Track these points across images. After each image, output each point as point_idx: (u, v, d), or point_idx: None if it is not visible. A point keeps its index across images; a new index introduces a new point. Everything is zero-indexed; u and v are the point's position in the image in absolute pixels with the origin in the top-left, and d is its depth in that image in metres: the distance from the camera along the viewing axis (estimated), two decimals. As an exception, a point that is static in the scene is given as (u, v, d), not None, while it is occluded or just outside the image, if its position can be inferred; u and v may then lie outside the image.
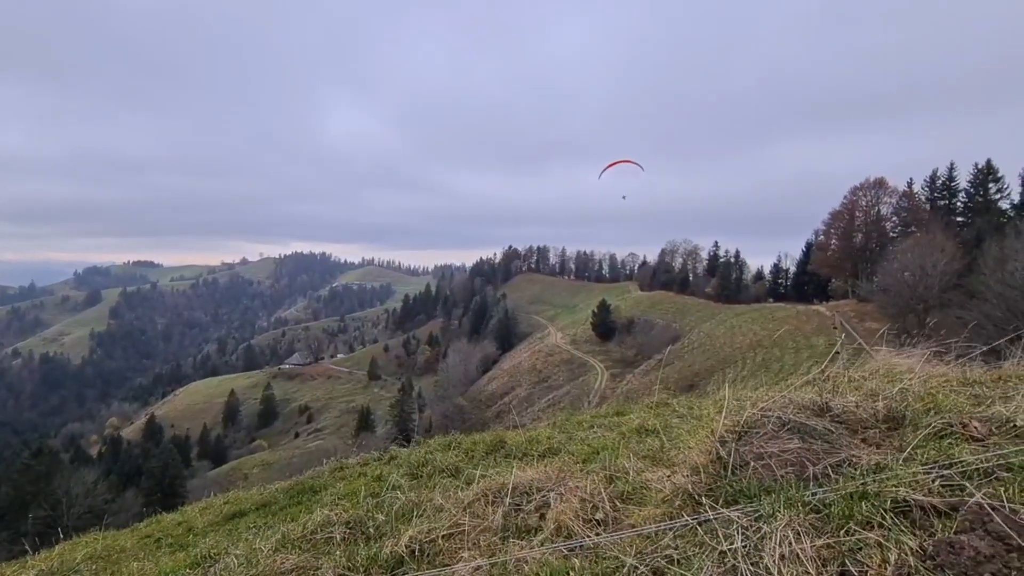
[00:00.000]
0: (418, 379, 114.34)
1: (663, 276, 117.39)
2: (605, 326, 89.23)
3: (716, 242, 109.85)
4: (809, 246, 75.55)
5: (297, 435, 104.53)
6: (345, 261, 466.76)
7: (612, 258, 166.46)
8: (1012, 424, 2.93)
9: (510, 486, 3.48)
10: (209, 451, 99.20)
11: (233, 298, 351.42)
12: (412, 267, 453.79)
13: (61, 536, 7.32)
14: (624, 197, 26.66)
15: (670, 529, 2.59)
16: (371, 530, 3.58)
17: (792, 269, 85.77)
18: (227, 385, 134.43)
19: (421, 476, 5.06)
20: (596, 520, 2.97)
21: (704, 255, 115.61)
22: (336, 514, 3.83)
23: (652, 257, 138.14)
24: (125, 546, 6.06)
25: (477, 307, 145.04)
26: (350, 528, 3.64)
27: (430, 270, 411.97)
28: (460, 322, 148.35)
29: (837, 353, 4.33)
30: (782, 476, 2.76)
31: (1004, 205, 48.38)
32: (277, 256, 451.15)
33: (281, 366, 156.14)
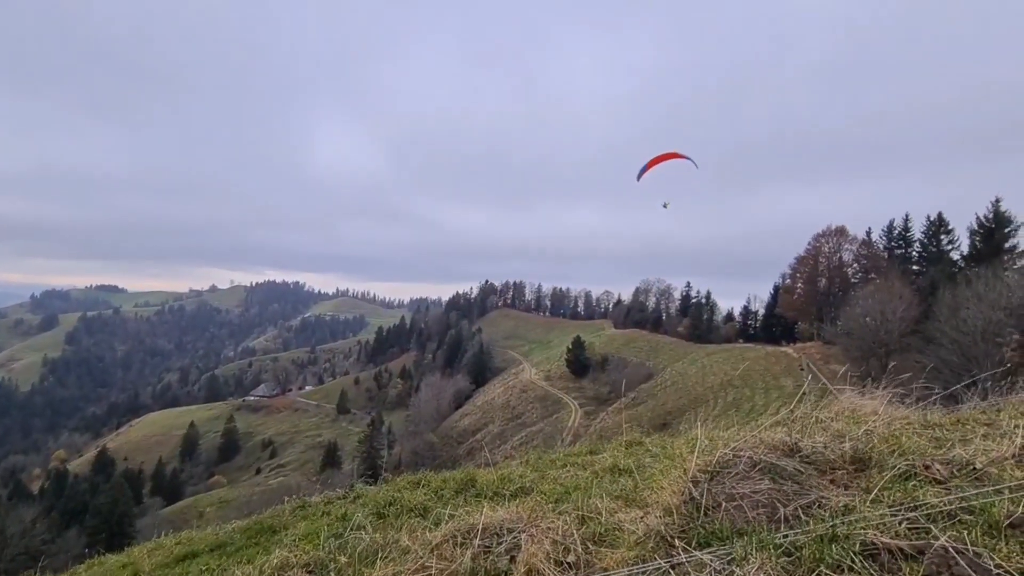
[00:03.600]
0: (389, 413, 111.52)
1: (637, 315, 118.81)
2: (579, 363, 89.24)
3: (688, 283, 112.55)
4: (777, 289, 77.78)
5: (259, 471, 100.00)
6: (319, 291, 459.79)
7: (587, 296, 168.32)
8: (972, 467, 3.01)
9: (480, 527, 3.38)
10: (163, 487, 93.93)
11: (199, 326, 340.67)
12: (387, 299, 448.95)
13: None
14: (666, 205, 22.53)
15: (643, 573, 2.54)
16: (332, 573, 3.41)
17: (761, 311, 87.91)
18: (187, 417, 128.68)
19: (387, 516, 4.88)
20: (568, 563, 2.89)
21: (677, 295, 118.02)
22: (296, 556, 3.64)
23: (626, 296, 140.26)
24: (62, 591, 5.61)
25: (452, 341, 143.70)
26: (310, 571, 3.46)
27: (405, 303, 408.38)
28: (434, 356, 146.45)
29: (805, 394, 4.42)
30: (754, 518, 2.76)
31: (955, 256, 50.88)
32: (248, 284, 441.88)
33: (246, 398, 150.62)
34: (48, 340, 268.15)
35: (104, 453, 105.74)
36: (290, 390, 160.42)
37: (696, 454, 3.27)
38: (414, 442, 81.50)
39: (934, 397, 4.76)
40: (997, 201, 44.98)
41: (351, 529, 4.22)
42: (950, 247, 51.64)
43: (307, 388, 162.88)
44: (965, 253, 48.65)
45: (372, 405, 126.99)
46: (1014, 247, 44.12)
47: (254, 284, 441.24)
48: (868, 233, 61.00)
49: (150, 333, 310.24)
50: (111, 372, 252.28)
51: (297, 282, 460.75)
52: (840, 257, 62.15)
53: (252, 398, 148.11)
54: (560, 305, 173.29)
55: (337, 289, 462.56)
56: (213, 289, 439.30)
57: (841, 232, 62.33)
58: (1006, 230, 44.39)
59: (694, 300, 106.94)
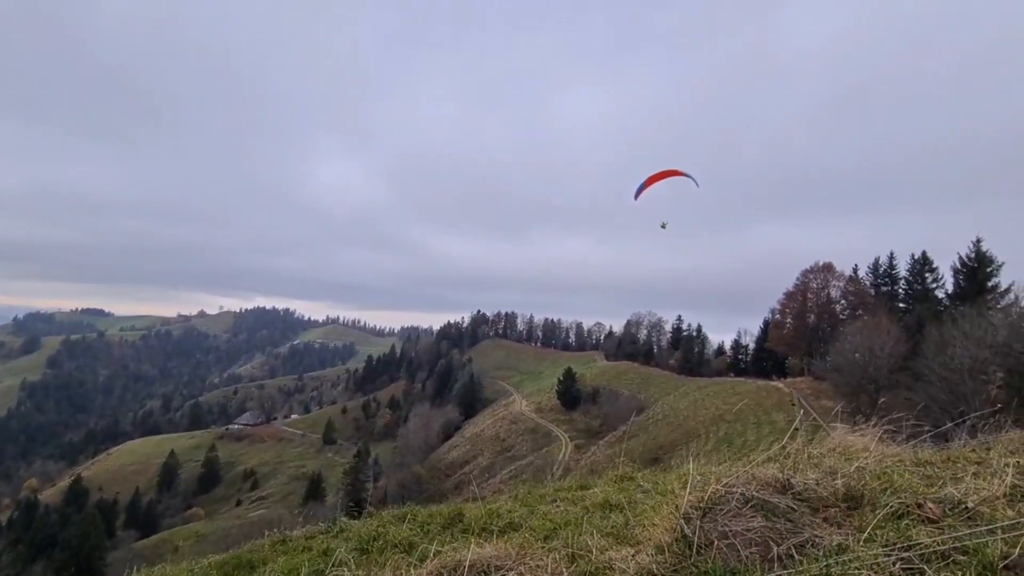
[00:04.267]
0: (376, 444, 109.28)
1: (628, 347, 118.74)
2: (570, 395, 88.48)
3: (679, 316, 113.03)
4: (767, 324, 78.24)
5: (239, 503, 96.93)
6: (309, 318, 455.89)
7: (579, 327, 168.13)
8: (964, 506, 2.99)
9: (467, 564, 3.28)
10: (138, 519, 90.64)
11: (185, 352, 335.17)
12: (378, 327, 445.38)
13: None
14: (664, 225, 21.40)
15: (633, 613, 2.47)
16: (312, 612, 3.28)
17: (751, 345, 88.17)
18: (167, 445, 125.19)
19: (371, 551, 4.73)
20: (556, 603, 2.80)
21: (668, 328, 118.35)
22: (274, 593, 3.50)
23: (618, 328, 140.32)
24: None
25: (442, 370, 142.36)
26: (289, 610, 3.32)
27: (396, 331, 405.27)
28: (424, 385, 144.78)
29: (796, 429, 4.40)
30: (747, 556, 2.70)
31: (940, 294, 51.54)
32: (238, 310, 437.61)
33: (229, 426, 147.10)
34: (29, 363, 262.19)
35: (78, 482, 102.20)
36: (275, 419, 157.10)
37: (688, 490, 3.22)
38: (401, 474, 79.70)
39: (924, 435, 4.76)
40: (978, 241, 45.99)
41: (333, 565, 4.08)
42: (935, 285, 52.37)
43: (293, 417, 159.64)
44: (950, 291, 49.34)
45: (359, 435, 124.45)
46: (996, 286, 44.90)
47: (243, 310, 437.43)
48: (855, 270, 61.93)
49: (134, 358, 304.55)
50: (91, 398, 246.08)
51: (287, 309, 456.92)
52: (828, 293, 62.84)
53: (236, 426, 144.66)
54: (552, 336, 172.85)
55: (327, 316, 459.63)
56: (201, 314, 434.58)
57: (828, 269, 63.22)
58: (988, 269, 45.24)
59: (685, 333, 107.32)
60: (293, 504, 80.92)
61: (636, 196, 19.02)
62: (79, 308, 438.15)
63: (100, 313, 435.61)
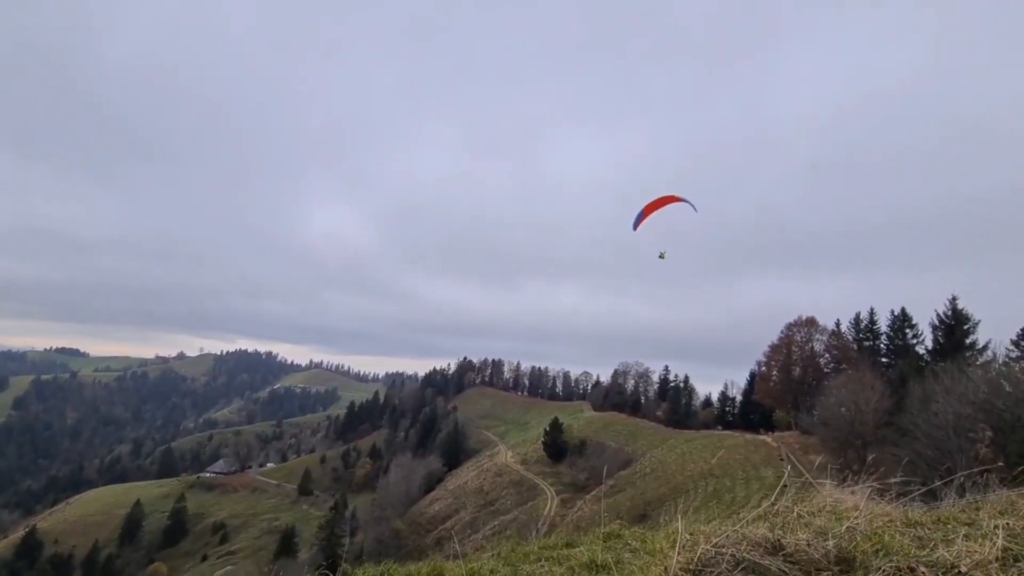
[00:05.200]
0: (354, 496, 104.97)
1: (615, 397, 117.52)
2: (556, 446, 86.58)
3: (667, 366, 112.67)
4: (753, 376, 78.22)
5: (205, 558, 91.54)
6: (291, 362, 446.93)
7: (566, 376, 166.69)
8: (958, 570, 2.93)
9: (446, 629, 3.11)
10: (94, 575, 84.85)
11: (161, 395, 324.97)
12: (362, 373, 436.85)
13: None
14: (662, 255, 20.78)
15: None
16: None
17: (738, 397, 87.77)
18: (134, 494, 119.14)
19: (345, 614, 4.46)
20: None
21: (655, 378, 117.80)
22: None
23: (605, 377, 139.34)
24: None
25: (426, 419, 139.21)
26: None
27: (381, 377, 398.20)
28: (407, 434, 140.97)
29: (785, 487, 4.34)
30: (738, 623, 2.60)
31: (920, 350, 52.15)
32: (218, 352, 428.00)
33: (201, 474, 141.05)
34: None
35: (32, 534, 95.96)
36: (250, 467, 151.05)
37: (677, 551, 3.13)
38: (379, 529, 76.25)
39: (914, 494, 4.71)
40: (954, 299, 47.16)
41: (303, 630, 3.84)
42: (915, 341, 53.09)
43: (268, 465, 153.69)
44: (929, 347, 50.03)
45: (337, 486, 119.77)
46: (974, 343, 45.72)
47: (224, 352, 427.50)
48: (837, 324, 62.72)
49: (107, 400, 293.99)
50: (57, 441, 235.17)
51: (269, 352, 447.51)
52: (812, 347, 63.35)
53: (208, 475, 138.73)
54: (539, 384, 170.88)
55: (311, 361, 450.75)
56: (180, 356, 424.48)
57: (811, 323, 63.99)
58: (965, 327, 46.19)
59: (672, 384, 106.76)
60: (263, 560, 76.65)
61: (635, 226, 18.98)
62: (53, 347, 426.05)
63: (75, 353, 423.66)
